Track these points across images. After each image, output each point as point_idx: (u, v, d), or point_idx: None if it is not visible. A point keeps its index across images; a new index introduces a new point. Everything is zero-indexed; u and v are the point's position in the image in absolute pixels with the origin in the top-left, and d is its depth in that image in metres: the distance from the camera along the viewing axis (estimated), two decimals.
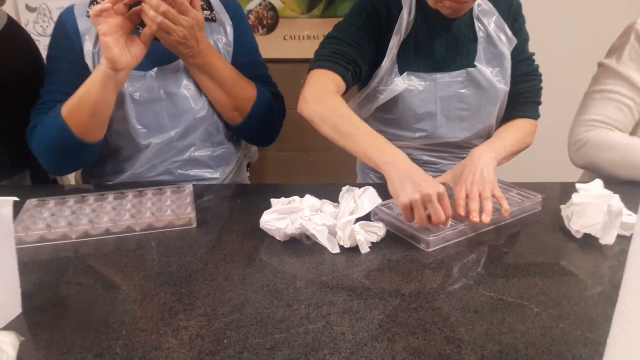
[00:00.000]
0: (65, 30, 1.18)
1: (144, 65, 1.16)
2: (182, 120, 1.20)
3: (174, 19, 1.03)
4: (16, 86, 1.26)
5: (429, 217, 0.91)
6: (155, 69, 1.19)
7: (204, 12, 1.21)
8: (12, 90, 1.26)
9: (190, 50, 1.10)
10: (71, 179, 1.53)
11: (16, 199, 0.70)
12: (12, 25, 1.32)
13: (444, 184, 1.09)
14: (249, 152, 1.49)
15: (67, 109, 1.09)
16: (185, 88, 1.20)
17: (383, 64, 1.21)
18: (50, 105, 1.14)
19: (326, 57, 1.16)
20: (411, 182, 0.91)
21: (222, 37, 1.24)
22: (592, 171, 1.28)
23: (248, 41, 1.29)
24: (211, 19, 1.24)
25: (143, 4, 1.03)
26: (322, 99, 1.09)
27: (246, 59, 1.27)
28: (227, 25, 1.25)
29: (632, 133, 1.28)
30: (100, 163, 1.27)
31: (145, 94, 1.18)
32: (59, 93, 1.13)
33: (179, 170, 1.25)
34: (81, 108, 1.08)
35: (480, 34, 1.23)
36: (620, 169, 1.21)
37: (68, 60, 1.17)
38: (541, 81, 1.30)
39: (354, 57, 1.16)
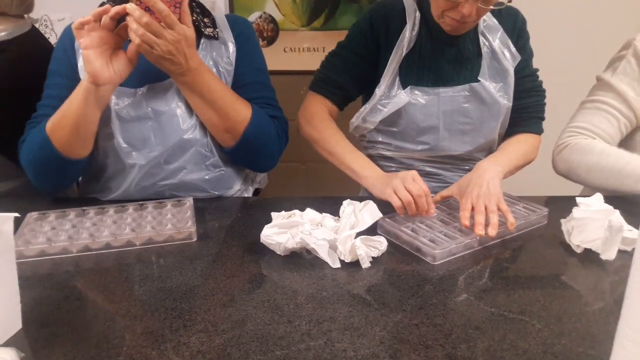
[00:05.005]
0: (64, 45, 1.17)
1: (135, 82, 1.13)
2: (169, 141, 1.15)
3: (156, 31, 0.97)
4: (34, 88, 1.25)
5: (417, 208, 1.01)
6: (146, 86, 1.15)
7: (207, 29, 1.19)
8: (33, 93, 1.25)
9: (177, 67, 1.03)
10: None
11: (17, 215, 0.70)
12: (35, 32, 1.35)
13: (449, 196, 1.10)
14: (257, 177, 1.41)
15: (51, 123, 1.07)
16: (175, 107, 1.15)
17: (383, 78, 1.23)
18: (41, 119, 1.12)
19: (318, 82, 1.31)
20: (388, 178, 1.08)
21: (223, 56, 1.20)
22: (570, 178, 1.28)
23: (253, 61, 1.24)
24: (213, 37, 1.19)
25: (127, 17, 0.99)
26: (312, 122, 1.26)
27: (248, 79, 1.22)
28: (230, 43, 1.20)
29: (624, 144, 1.29)
30: (88, 180, 1.24)
31: (132, 111, 1.14)
32: (51, 107, 1.10)
33: (172, 192, 1.20)
34: (63, 123, 1.06)
35: (484, 50, 1.24)
36: (593, 174, 1.21)
37: (63, 75, 1.16)
38: (545, 97, 1.31)
39: (341, 83, 1.28)
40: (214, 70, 1.18)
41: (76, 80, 1.10)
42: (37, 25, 2.23)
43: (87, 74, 1.01)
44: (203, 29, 1.18)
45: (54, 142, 1.07)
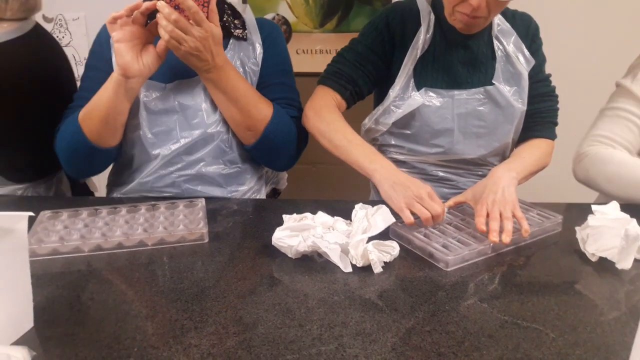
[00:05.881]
0: (100, 40, 1.23)
1: (166, 77, 1.19)
2: (192, 133, 1.20)
3: (184, 28, 1.01)
4: (40, 88, 1.28)
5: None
6: (176, 82, 1.20)
7: (237, 30, 1.23)
8: (39, 91, 1.28)
9: (204, 63, 1.08)
10: (99, 186, 1.54)
11: (31, 213, 0.70)
12: (39, 31, 1.33)
13: (463, 202, 1.10)
14: (277, 178, 1.45)
15: (83, 113, 1.13)
16: (201, 102, 1.19)
17: (397, 79, 1.23)
18: (75, 110, 1.17)
19: (329, 75, 1.27)
20: (401, 185, 1.02)
21: (250, 56, 1.24)
22: (590, 187, 1.27)
23: (279, 63, 1.28)
24: (242, 38, 1.24)
25: (158, 14, 1.03)
26: (320, 114, 1.21)
27: (273, 80, 1.25)
28: (257, 44, 1.25)
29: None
30: (118, 172, 1.30)
31: (160, 104, 1.19)
32: (85, 99, 1.15)
33: (186, 185, 1.23)
34: (93, 113, 1.11)
35: (498, 53, 1.24)
36: (613, 184, 1.20)
37: (99, 68, 1.21)
38: (558, 102, 1.30)
39: (353, 77, 1.25)
40: (241, 69, 1.22)
41: (110, 73, 1.15)
42: (52, 25, 2.24)
43: (118, 66, 1.07)
44: (233, 30, 1.23)
45: (85, 131, 1.12)
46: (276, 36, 1.29)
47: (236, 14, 1.25)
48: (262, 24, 1.28)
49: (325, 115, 1.21)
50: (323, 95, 1.26)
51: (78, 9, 2.27)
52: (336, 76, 1.26)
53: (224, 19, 1.21)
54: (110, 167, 1.32)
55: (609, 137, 1.25)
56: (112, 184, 1.31)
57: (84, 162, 1.20)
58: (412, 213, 0.99)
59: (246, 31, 1.25)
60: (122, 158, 1.25)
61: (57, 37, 2.33)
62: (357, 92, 1.27)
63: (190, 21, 1.02)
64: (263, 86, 1.24)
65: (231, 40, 1.23)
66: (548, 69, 1.31)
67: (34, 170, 1.34)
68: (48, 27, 2.31)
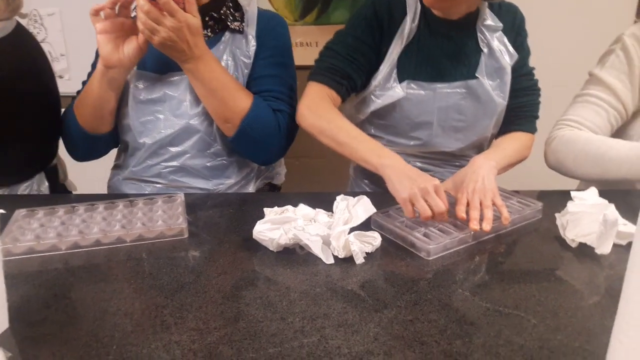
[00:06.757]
0: None
1: (160, 68, 1.22)
2: (176, 124, 1.21)
3: (156, 19, 1.03)
4: (24, 88, 1.26)
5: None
6: (168, 73, 1.22)
7: (235, 23, 1.23)
8: (20, 92, 1.25)
9: (180, 54, 1.09)
10: (101, 172, 1.52)
11: (3, 211, 0.68)
12: (21, 30, 1.31)
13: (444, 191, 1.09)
14: (272, 172, 1.42)
15: (77, 101, 1.22)
16: (185, 93, 1.20)
17: (381, 68, 1.21)
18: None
19: (322, 71, 1.22)
20: (408, 178, 0.98)
21: (243, 49, 1.23)
22: (560, 171, 1.29)
23: (273, 55, 1.25)
24: (238, 31, 1.24)
25: (136, 7, 1.04)
26: (318, 112, 1.17)
27: (263, 72, 1.24)
28: (250, 37, 1.24)
29: (616, 136, 1.30)
30: (119, 156, 1.36)
31: (148, 94, 1.22)
32: None
33: (172, 176, 1.26)
34: (84, 102, 1.19)
35: (483, 47, 1.23)
36: (578, 163, 1.22)
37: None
38: (540, 95, 1.31)
39: (348, 72, 1.21)
40: (232, 62, 1.23)
41: None
42: (26, 20, 2.19)
43: (100, 56, 1.12)
44: (230, 23, 1.23)
45: (77, 117, 1.21)
46: (273, 29, 1.27)
47: (237, 7, 1.25)
48: (262, 17, 1.27)
49: (323, 113, 1.16)
50: (317, 93, 1.21)
51: (53, 4, 2.23)
52: (330, 72, 1.21)
53: (222, 10, 1.22)
54: (116, 151, 1.38)
55: (577, 121, 1.28)
56: (115, 167, 1.38)
57: (81, 147, 1.28)
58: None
59: (243, 24, 1.24)
60: (122, 144, 1.33)
61: (32, 32, 2.28)
62: (351, 86, 1.23)
63: (164, 12, 1.03)
64: (252, 78, 1.24)
65: (226, 33, 1.23)
66: (531, 62, 1.31)
67: (17, 172, 1.31)
68: (22, 22, 2.27)
